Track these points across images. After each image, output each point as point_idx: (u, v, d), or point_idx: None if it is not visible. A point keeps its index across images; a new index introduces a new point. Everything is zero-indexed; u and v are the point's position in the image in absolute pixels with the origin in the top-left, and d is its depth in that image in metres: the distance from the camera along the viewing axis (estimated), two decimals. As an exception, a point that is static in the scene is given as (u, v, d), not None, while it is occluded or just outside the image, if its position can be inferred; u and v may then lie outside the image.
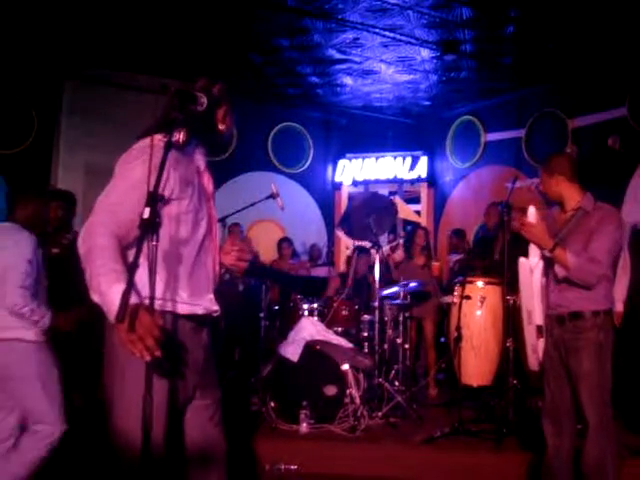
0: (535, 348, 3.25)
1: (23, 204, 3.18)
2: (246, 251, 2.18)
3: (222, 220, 4.95)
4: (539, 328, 3.21)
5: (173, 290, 1.94)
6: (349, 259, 6.84)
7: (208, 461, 2.09)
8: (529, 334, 3.31)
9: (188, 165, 2.02)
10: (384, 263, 5.43)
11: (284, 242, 7.78)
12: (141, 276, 1.68)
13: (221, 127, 2.13)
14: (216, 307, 2.09)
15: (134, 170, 1.90)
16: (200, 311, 2.03)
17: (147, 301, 1.72)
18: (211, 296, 2.08)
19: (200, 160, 2.11)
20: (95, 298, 1.77)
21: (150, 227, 1.66)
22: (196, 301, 2.01)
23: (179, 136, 1.92)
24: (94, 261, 1.78)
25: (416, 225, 8.04)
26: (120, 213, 1.86)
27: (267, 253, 8.19)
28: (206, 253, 2.07)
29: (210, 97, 2.00)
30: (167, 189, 1.89)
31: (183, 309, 1.97)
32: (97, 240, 1.80)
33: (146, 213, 1.65)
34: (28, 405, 3.12)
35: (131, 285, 1.61)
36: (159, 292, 1.79)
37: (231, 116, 2.17)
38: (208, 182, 2.15)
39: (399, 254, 6.92)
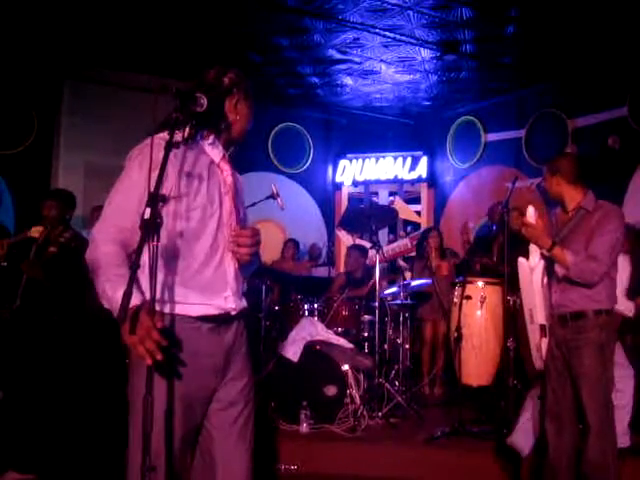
0: (539, 347, 3.25)
1: None
2: (246, 235, 1.99)
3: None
4: (542, 327, 3.21)
5: (180, 291, 1.89)
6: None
7: (229, 470, 2.01)
8: (532, 333, 3.31)
9: (196, 159, 1.97)
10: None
11: (289, 242, 7.87)
12: (146, 277, 1.68)
13: (232, 117, 2.06)
14: (233, 305, 2.00)
15: (130, 172, 1.91)
16: (213, 311, 1.94)
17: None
18: (227, 294, 1.98)
19: (215, 152, 2.04)
20: (105, 305, 1.78)
21: (151, 227, 1.65)
22: (208, 301, 1.94)
23: (183, 133, 1.89)
24: (99, 269, 1.80)
25: (431, 227, 8.00)
26: (120, 218, 1.87)
27: (268, 253, 8.19)
28: (220, 249, 1.99)
29: (220, 86, 2.00)
30: (166, 187, 1.87)
31: (193, 310, 1.91)
32: (100, 249, 1.82)
33: (147, 213, 1.64)
34: None
35: (131, 286, 1.60)
36: (166, 294, 1.74)
37: (246, 104, 2.09)
38: (227, 174, 2.07)
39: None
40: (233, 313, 2.00)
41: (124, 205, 1.88)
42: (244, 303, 2.08)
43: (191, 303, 1.91)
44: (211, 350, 1.95)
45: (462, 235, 6.79)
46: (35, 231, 3.95)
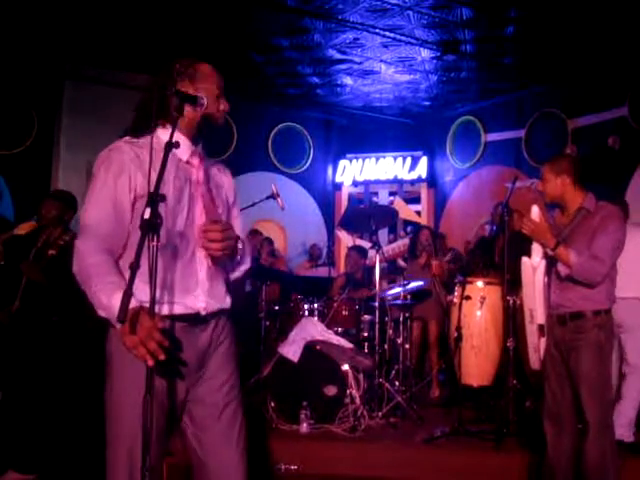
0: (537, 347, 3.25)
1: None
2: (215, 230, 1.90)
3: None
4: (541, 327, 3.22)
5: (147, 289, 1.79)
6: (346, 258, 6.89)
7: (221, 471, 1.98)
8: (531, 333, 3.31)
9: (159, 159, 1.88)
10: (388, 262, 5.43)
11: (264, 241, 7.77)
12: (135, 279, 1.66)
13: (187, 109, 1.97)
14: (203, 305, 1.94)
15: (97, 180, 1.91)
16: (180, 310, 1.90)
17: (146, 304, 1.70)
18: (198, 293, 1.94)
19: (182, 149, 1.96)
20: (101, 314, 1.78)
21: (151, 227, 1.65)
22: (176, 299, 1.90)
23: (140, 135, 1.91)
24: (89, 280, 1.79)
25: (421, 225, 8.01)
26: (99, 228, 1.86)
27: (267, 253, 8.18)
28: (190, 248, 1.94)
29: (167, 80, 2.01)
30: (131, 188, 1.89)
31: (161, 309, 1.85)
32: (86, 260, 1.82)
33: (146, 213, 1.64)
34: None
35: (131, 287, 1.59)
36: (136, 292, 1.71)
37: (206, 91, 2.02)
38: (198, 170, 2.02)
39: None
40: (203, 313, 1.94)
41: (100, 213, 1.87)
42: (222, 303, 2.02)
43: (158, 302, 1.83)
44: (185, 348, 1.92)
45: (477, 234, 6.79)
46: (22, 228, 3.94)
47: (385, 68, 7.66)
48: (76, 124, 7.57)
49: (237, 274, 2.16)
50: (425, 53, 7.08)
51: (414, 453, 4.03)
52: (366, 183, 9.70)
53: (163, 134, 1.95)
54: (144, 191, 1.83)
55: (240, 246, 2.05)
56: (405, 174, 9.46)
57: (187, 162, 2.02)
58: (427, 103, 9.00)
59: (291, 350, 4.50)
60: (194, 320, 1.94)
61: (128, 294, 1.58)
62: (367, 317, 5.23)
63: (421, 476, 3.84)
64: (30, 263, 3.81)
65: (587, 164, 3.27)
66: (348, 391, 4.39)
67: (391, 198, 9.63)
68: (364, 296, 5.53)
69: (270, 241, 7.88)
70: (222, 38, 6.70)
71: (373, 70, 7.75)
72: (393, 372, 5.15)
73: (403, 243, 8.42)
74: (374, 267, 5.15)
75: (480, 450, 3.96)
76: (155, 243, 1.66)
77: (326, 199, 9.84)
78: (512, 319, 4.43)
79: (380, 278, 4.97)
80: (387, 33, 6.54)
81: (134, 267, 1.61)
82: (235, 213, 2.21)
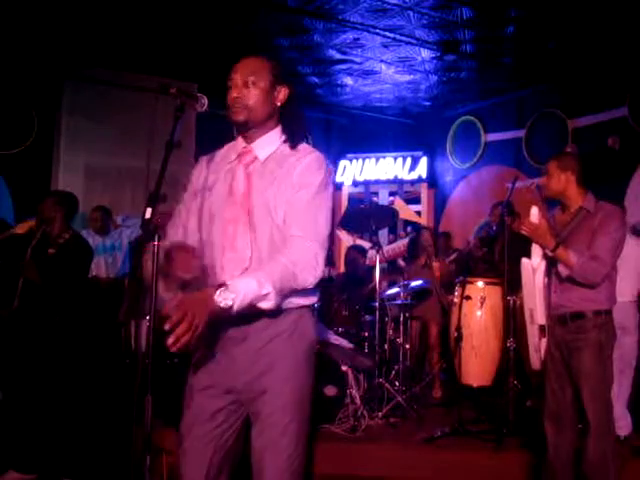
0: (537, 347, 3.26)
1: None
2: (169, 325, 1.61)
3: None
4: (542, 328, 3.22)
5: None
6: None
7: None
8: (531, 333, 3.32)
9: (217, 162, 2.08)
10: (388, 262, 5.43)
11: None
12: None
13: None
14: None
15: None
16: None
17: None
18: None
19: (235, 148, 2.05)
20: None
21: (150, 227, 1.65)
22: None
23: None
24: None
25: (421, 226, 8.01)
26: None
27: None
28: (213, 251, 1.93)
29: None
30: (194, 187, 2.06)
31: None
32: None
33: (148, 213, 1.65)
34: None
35: (133, 286, 1.61)
36: None
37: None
38: (242, 170, 1.98)
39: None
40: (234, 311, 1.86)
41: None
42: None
43: None
44: (221, 346, 1.95)
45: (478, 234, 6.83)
46: (20, 227, 3.95)
47: (385, 68, 7.65)
48: (76, 124, 7.55)
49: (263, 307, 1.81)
50: (425, 53, 7.08)
51: (414, 453, 4.04)
52: (366, 183, 9.68)
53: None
54: (200, 201, 2.01)
55: (228, 302, 1.68)
56: (405, 174, 9.46)
57: (238, 156, 2.04)
58: (427, 103, 8.99)
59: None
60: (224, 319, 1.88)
61: (129, 291, 1.59)
62: (367, 317, 5.23)
63: (421, 476, 3.85)
64: (27, 262, 3.81)
65: (587, 164, 3.26)
66: (348, 391, 4.39)
67: (391, 198, 9.62)
68: (364, 296, 5.53)
69: None
70: (222, 38, 6.70)
71: (373, 70, 7.75)
72: (393, 372, 5.15)
73: (403, 243, 8.42)
74: (374, 267, 5.16)
75: (480, 450, 3.96)
76: (156, 243, 1.66)
77: (326, 199, 9.80)
78: (512, 319, 4.44)
79: (380, 278, 4.98)
80: (387, 33, 6.53)
81: (134, 269, 1.62)
82: (291, 195, 1.93)
